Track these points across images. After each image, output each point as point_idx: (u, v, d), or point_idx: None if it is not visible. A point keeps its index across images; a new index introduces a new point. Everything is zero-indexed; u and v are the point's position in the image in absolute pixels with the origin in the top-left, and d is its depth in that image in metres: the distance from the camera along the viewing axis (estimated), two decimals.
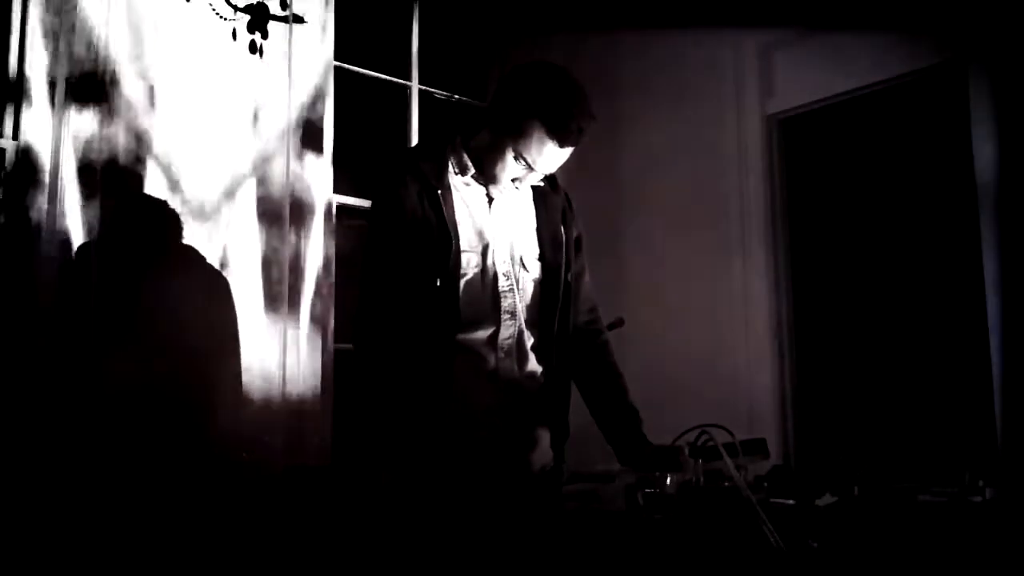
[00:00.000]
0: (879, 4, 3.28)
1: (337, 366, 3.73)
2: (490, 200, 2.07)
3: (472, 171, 2.05)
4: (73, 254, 3.07)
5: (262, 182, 3.56)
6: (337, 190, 3.86)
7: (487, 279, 2.02)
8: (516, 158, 1.98)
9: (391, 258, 1.97)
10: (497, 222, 2.07)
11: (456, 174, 2.05)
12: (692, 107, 3.89)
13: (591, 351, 2.22)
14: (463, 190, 2.04)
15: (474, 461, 1.98)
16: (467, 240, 2.01)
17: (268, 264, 3.53)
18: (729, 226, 3.71)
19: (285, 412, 3.48)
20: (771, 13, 3.56)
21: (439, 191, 1.99)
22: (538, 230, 2.13)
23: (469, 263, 2.00)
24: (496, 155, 2.00)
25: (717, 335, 3.68)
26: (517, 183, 2.04)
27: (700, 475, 1.96)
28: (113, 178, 3.18)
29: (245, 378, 3.36)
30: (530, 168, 2.00)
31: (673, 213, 3.88)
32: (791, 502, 2.46)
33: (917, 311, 3.27)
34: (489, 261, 2.03)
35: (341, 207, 3.90)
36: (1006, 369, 2.91)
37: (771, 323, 3.60)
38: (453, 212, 2.00)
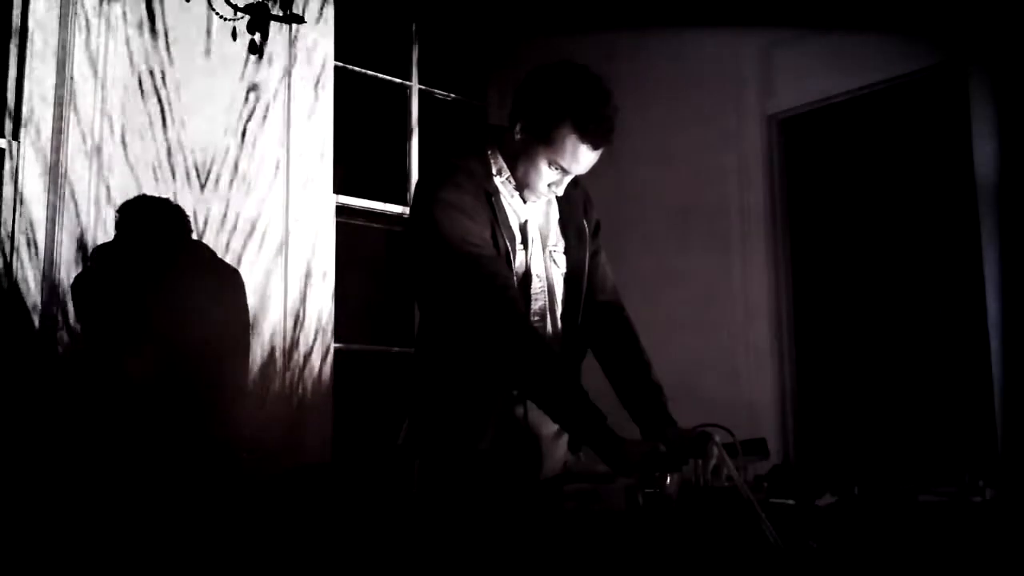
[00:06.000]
0: (879, 5, 3.28)
1: (337, 365, 3.74)
2: (523, 200, 2.08)
3: (507, 173, 2.05)
4: (88, 253, 3.08)
5: (263, 182, 3.57)
6: (337, 190, 3.86)
7: (525, 280, 2.03)
8: (550, 165, 1.98)
9: (480, 251, 1.93)
10: (532, 222, 2.08)
11: (495, 175, 2.05)
12: (692, 107, 3.89)
13: (615, 326, 2.21)
14: (503, 192, 2.05)
15: (501, 461, 1.99)
16: (513, 242, 2.01)
17: (269, 264, 3.54)
18: (729, 226, 3.71)
19: (287, 411, 3.49)
20: (771, 13, 3.56)
21: (491, 195, 1.99)
22: (562, 223, 2.14)
23: (517, 265, 2.00)
24: (530, 165, 1.99)
25: (717, 335, 3.68)
26: (554, 187, 2.04)
27: (701, 475, 1.96)
28: (122, 180, 3.19)
29: (249, 378, 3.36)
30: (565, 172, 2.00)
31: (673, 213, 3.88)
32: (791, 502, 2.46)
33: (917, 311, 3.27)
34: (529, 261, 2.04)
35: (341, 207, 3.90)
36: (1006, 369, 2.91)
37: (771, 323, 3.60)
38: (506, 215, 2.01)
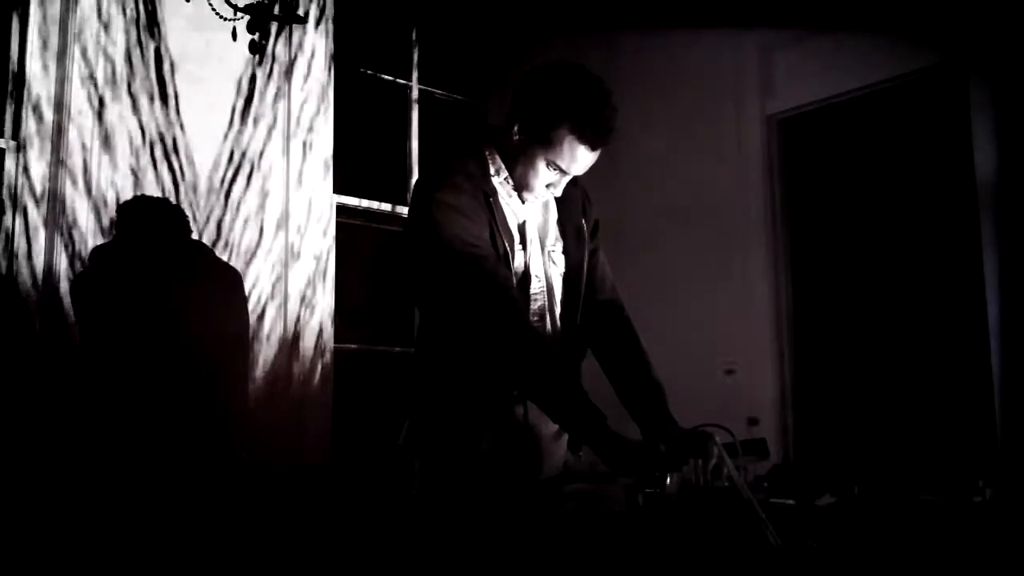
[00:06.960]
0: (879, 5, 3.28)
1: (337, 365, 3.74)
2: (522, 200, 2.07)
3: (505, 173, 2.05)
4: (87, 255, 3.08)
5: (263, 183, 3.57)
6: (337, 190, 3.86)
7: (523, 281, 2.03)
8: (548, 165, 1.97)
9: (479, 251, 1.93)
10: (530, 222, 2.08)
11: (493, 176, 2.05)
12: (692, 107, 3.89)
13: (615, 325, 2.20)
14: (502, 193, 2.04)
15: (501, 461, 1.99)
16: (512, 243, 2.01)
17: (269, 264, 3.54)
18: (729, 226, 3.71)
19: (287, 411, 3.48)
20: (771, 13, 3.57)
21: (489, 196, 1.98)
22: (560, 223, 2.14)
23: (516, 265, 2.00)
24: (528, 165, 1.99)
25: (717, 335, 3.68)
26: (552, 188, 2.03)
27: (701, 475, 1.96)
28: (120, 179, 3.19)
29: (250, 378, 3.36)
30: (564, 173, 1.99)
31: (673, 213, 3.89)
32: (791, 502, 2.46)
33: (917, 311, 3.27)
34: (528, 261, 2.04)
35: (341, 207, 3.90)
36: (1006, 369, 2.91)
37: (771, 323, 3.60)
38: (504, 216, 2.01)
